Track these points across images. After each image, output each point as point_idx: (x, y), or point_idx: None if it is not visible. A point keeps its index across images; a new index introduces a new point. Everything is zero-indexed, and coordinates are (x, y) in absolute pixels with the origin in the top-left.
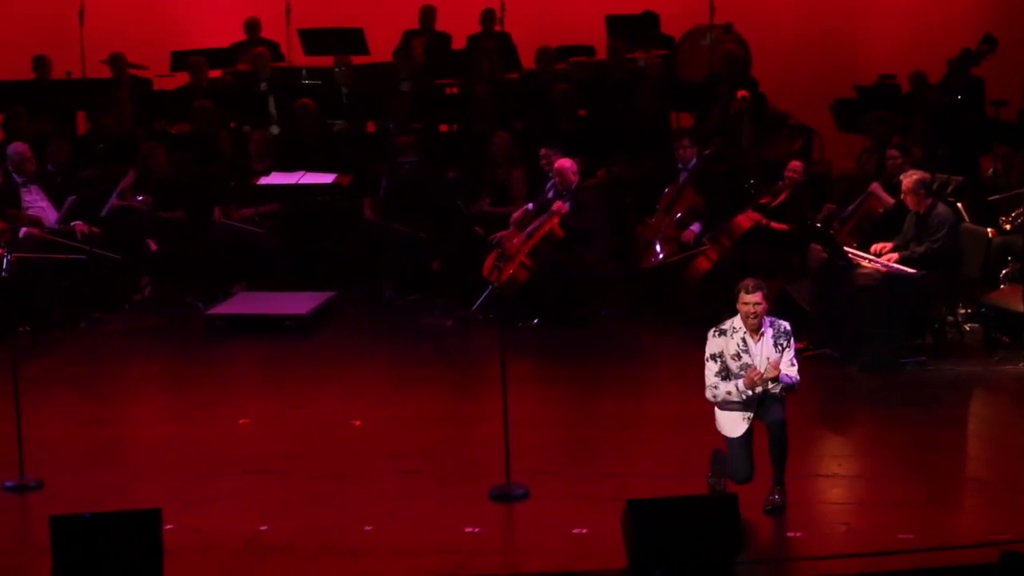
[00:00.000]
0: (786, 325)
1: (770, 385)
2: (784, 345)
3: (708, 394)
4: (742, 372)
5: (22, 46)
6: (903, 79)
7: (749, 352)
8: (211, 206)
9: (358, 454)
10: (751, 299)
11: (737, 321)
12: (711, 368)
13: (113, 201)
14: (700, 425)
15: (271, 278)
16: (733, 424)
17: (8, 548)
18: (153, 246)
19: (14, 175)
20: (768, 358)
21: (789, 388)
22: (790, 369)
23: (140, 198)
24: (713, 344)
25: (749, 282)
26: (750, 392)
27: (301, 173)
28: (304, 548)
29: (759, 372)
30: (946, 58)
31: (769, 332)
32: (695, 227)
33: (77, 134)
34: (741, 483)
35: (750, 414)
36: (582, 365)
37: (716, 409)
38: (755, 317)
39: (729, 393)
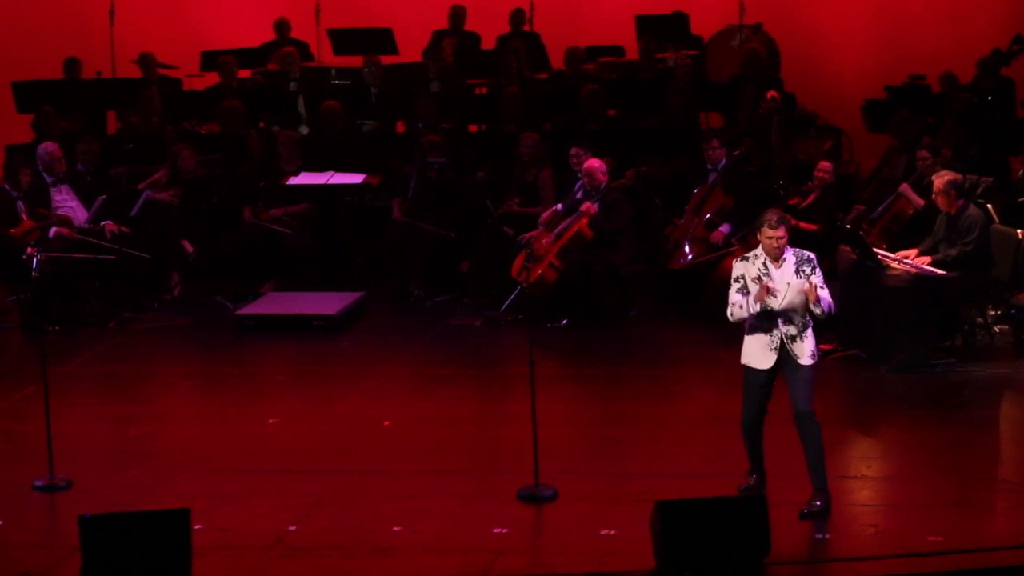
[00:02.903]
0: (809, 254)
1: (777, 303)
2: (808, 272)
3: (728, 312)
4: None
5: (53, 46)
6: (933, 79)
7: (770, 275)
8: (241, 206)
9: (386, 454)
10: (775, 233)
11: (759, 250)
12: (733, 288)
13: (148, 194)
14: (728, 425)
15: (300, 278)
16: (760, 352)
17: (38, 547)
18: (189, 247)
19: (44, 175)
20: (789, 283)
21: (824, 313)
22: (822, 291)
23: (170, 192)
24: (737, 268)
25: (772, 216)
26: (757, 307)
27: (330, 173)
28: (332, 547)
29: (767, 286)
30: (976, 58)
31: (791, 259)
32: (724, 228)
33: (107, 134)
34: (747, 426)
35: (776, 343)
36: (610, 365)
37: (745, 338)
38: (777, 249)
39: (742, 307)
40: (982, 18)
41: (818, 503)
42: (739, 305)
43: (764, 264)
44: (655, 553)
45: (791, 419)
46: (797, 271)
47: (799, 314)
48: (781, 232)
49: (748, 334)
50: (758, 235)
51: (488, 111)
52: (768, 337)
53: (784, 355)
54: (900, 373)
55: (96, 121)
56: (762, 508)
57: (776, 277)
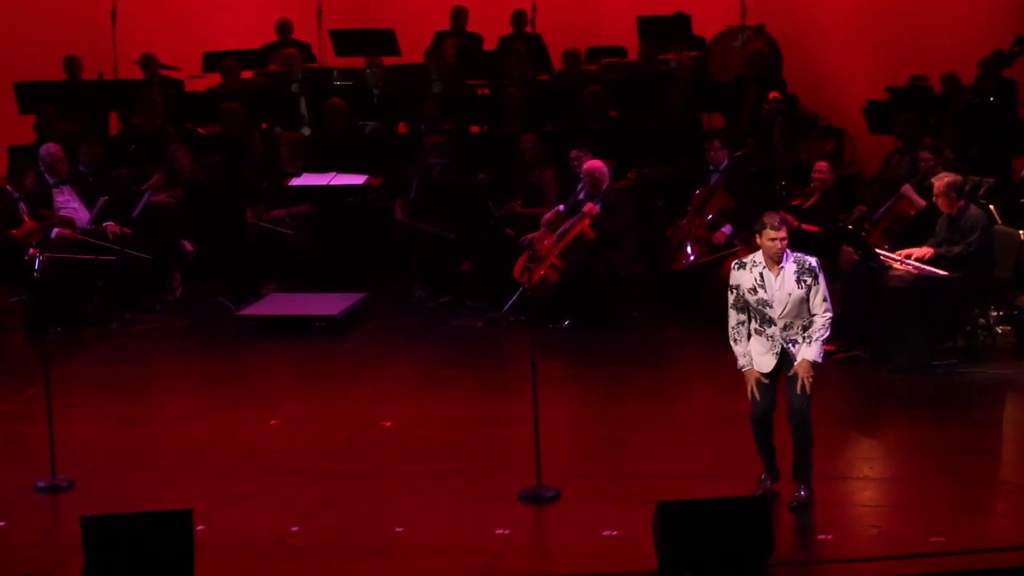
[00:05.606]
0: (811, 260)
1: (776, 314)
2: (809, 282)
3: (729, 334)
4: (759, 306)
5: (55, 47)
6: (935, 80)
7: (766, 287)
8: (242, 207)
9: (388, 455)
10: (778, 235)
11: (758, 256)
12: (729, 298)
13: (149, 195)
14: (731, 426)
15: (302, 279)
16: (760, 357)
17: (40, 548)
18: (189, 246)
19: (46, 176)
20: (789, 294)
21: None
22: (820, 310)
23: (168, 193)
24: (733, 276)
25: (774, 218)
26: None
27: (333, 174)
28: (334, 548)
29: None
30: (978, 59)
31: (791, 267)
32: (726, 229)
33: (109, 135)
34: (757, 417)
35: (777, 349)
36: (612, 366)
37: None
38: (779, 251)
39: (743, 356)
40: (983, 19)
41: (801, 493)
42: (739, 354)
43: (761, 275)
44: (657, 554)
45: None
46: (798, 280)
47: (800, 320)
48: (783, 233)
49: (755, 335)
50: (758, 238)
51: (490, 112)
52: (770, 343)
53: (784, 357)
54: (902, 374)
55: (98, 122)
56: (765, 509)
57: (773, 287)
